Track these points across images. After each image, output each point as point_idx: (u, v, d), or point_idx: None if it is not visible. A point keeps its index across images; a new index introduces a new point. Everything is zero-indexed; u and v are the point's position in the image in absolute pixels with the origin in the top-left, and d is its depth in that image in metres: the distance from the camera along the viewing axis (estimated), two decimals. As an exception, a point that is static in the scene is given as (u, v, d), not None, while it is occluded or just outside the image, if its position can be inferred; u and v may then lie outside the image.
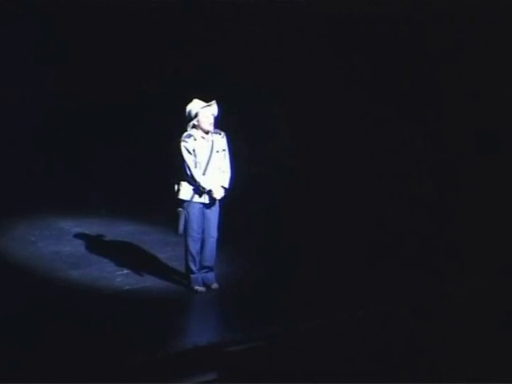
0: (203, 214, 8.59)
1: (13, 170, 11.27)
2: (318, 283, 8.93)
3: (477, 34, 10.28)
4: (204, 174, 8.50)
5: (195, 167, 8.48)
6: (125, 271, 9.07)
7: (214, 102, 8.53)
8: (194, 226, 8.56)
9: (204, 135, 8.55)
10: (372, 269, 9.26)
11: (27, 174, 11.43)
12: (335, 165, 10.93)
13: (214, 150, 8.55)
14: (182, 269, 8.85)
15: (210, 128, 8.54)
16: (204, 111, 8.50)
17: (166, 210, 8.85)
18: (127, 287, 8.71)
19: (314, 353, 7.33)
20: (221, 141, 8.60)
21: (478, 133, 10.24)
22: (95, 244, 9.84)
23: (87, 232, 10.21)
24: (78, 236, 10.09)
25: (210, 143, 8.55)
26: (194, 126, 8.52)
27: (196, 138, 8.51)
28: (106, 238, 10.05)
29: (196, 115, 8.50)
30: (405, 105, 10.69)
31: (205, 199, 8.55)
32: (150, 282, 8.88)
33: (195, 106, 8.54)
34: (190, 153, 8.48)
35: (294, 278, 9.08)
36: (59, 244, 9.85)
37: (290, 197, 10.69)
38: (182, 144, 8.48)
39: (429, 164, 10.64)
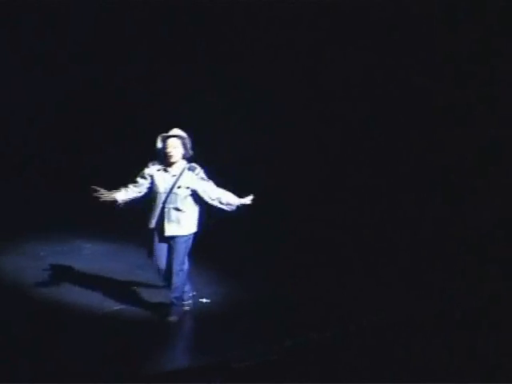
0: (170, 245, 8.27)
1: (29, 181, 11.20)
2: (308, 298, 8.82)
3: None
4: (161, 209, 8.16)
5: (138, 189, 8.19)
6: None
7: (174, 132, 8.19)
8: (156, 255, 8.28)
9: (167, 168, 8.22)
10: (368, 278, 9.22)
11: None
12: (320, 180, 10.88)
13: (176, 186, 8.17)
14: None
15: (171, 160, 8.18)
16: (165, 143, 8.20)
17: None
18: (116, 307, 8.50)
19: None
20: (191, 177, 8.18)
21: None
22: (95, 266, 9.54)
23: (95, 251, 10.00)
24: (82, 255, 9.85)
25: (174, 178, 8.20)
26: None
27: (159, 168, 8.21)
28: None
29: (157, 145, 8.23)
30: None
31: (168, 230, 8.21)
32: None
33: (162, 135, 8.24)
34: (143, 177, 8.20)
35: (288, 293, 8.94)
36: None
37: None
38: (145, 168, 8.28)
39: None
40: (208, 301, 8.69)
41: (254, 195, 8.11)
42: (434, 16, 10.41)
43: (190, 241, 8.29)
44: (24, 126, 11.83)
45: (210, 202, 8.19)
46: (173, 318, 8.34)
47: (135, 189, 8.22)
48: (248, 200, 8.17)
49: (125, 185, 8.20)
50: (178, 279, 8.26)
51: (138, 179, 8.23)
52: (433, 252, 9.68)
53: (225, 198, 8.18)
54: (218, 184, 8.21)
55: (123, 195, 8.17)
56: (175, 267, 8.24)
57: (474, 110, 10.28)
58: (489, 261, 9.39)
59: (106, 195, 8.12)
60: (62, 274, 9.20)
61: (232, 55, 11.53)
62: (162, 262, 8.29)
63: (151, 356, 7.57)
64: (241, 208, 8.15)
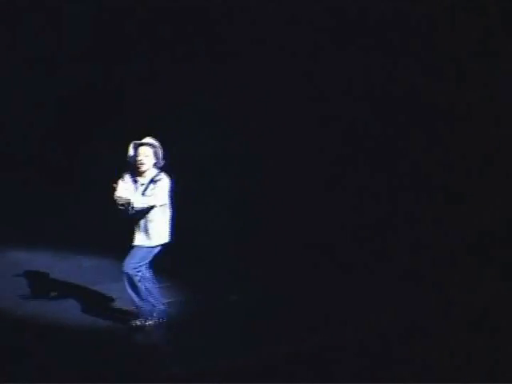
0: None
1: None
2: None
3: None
4: (133, 218, 8.14)
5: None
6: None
7: (146, 141, 8.14)
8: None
9: (138, 177, 8.18)
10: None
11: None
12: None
13: (144, 195, 8.12)
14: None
15: (141, 169, 8.12)
16: (135, 150, 8.17)
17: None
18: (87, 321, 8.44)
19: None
20: (152, 187, 8.13)
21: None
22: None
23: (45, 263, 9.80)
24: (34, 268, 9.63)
25: (143, 187, 8.16)
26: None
27: (131, 176, 8.17)
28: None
29: (129, 152, 8.20)
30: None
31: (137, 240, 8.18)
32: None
33: (134, 143, 8.19)
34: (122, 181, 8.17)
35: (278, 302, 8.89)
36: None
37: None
38: None
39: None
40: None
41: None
42: (434, 16, 10.41)
43: (153, 252, 8.18)
44: (23, 125, 11.81)
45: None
46: (134, 323, 8.25)
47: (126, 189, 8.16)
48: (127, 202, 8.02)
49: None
50: (126, 282, 8.12)
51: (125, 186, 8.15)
52: (433, 252, 9.67)
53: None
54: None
55: (123, 191, 8.13)
56: (124, 268, 8.10)
57: (474, 110, 10.28)
58: (489, 261, 9.38)
59: (122, 199, 8.07)
60: (53, 279, 9.22)
61: (230, 55, 11.53)
62: (128, 268, 8.13)
63: (146, 358, 7.56)
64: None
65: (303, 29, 11.16)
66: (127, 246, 8.23)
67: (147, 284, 8.21)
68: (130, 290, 8.15)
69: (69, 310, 8.63)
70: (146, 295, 8.21)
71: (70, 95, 11.90)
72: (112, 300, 8.89)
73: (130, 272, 8.08)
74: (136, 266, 8.11)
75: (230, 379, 7.01)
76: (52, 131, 11.90)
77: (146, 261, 8.17)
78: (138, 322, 8.26)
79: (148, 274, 8.25)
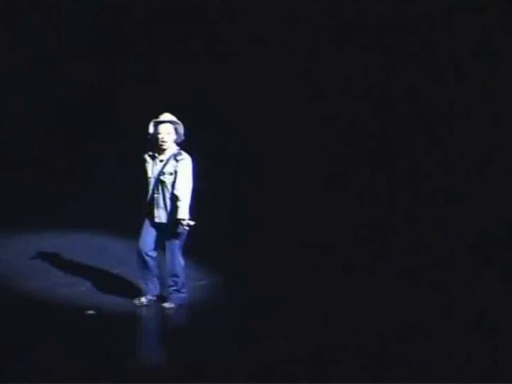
0: (159, 232, 8.21)
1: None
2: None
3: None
4: (151, 195, 8.14)
5: (145, 182, 8.20)
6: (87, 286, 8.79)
7: (166, 117, 8.10)
8: (141, 238, 8.22)
9: (158, 153, 8.14)
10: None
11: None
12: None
13: (162, 172, 8.10)
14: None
15: (163, 146, 8.09)
16: (156, 127, 8.11)
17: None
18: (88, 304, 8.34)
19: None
20: (173, 163, 8.08)
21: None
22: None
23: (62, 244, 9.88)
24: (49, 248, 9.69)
25: (162, 163, 8.13)
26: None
27: (151, 153, 8.16)
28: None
29: (149, 130, 8.15)
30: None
31: (157, 217, 8.17)
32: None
33: (154, 121, 8.14)
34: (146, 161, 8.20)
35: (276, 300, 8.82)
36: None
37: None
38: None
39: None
40: (205, 282, 8.67)
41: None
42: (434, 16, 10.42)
43: (184, 231, 8.15)
44: (23, 125, 11.81)
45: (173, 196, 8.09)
46: (168, 305, 8.25)
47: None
48: (180, 228, 8.06)
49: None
50: (173, 266, 8.16)
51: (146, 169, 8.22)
52: (433, 252, 9.67)
53: (179, 205, 8.04)
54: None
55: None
56: (168, 254, 8.15)
57: (473, 110, 10.28)
58: (488, 261, 9.38)
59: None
60: (55, 269, 9.15)
61: (229, 55, 11.53)
62: (145, 246, 8.17)
63: (139, 355, 7.54)
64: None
65: (303, 28, 11.17)
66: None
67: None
68: (175, 270, 8.18)
69: (81, 293, 8.67)
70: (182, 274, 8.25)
71: (69, 95, 11.90)
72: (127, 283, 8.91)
73: (172, 257, 8.15)
74: (177, 249, 8.18)
75: (228, 379, 7.01)
76: (52, 131, 11.90)
77: (181, 242, 8.20)
78: (169, 305, 8.29)
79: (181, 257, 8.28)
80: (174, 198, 8.10)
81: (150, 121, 8.25)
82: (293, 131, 11.08)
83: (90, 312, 8.06)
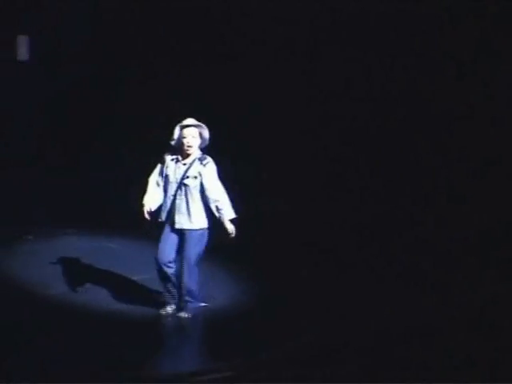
0: (180, 239, 8.06)
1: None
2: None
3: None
4: (172, 200, 8.00)
5: (161, 187, 8.05)
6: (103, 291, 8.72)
7: (192, 122, 7.98)
8: (160, 245, 8.06)
9: (181, 157, 8.02)
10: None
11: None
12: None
13: (186, 176, 7.96)
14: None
15: (189, 151, 7.97)
16: (181, 132, 7.98)
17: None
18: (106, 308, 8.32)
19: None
20: (199, 167, 7.96)
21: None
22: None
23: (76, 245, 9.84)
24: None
25: (185, 167, 7.99)
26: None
27: (173, 158, 8.02)
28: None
29: (174, 135, 8.01)
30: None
31: (178, 223, 8.01)
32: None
33: (180, 125, 8.01)
34: (160, 175, 8.05)
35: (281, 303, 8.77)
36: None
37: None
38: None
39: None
40: (206, 304, 8.46)
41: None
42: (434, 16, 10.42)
43: (205, 238, 8.06)
44: (23, 126, 11.83)
45: (208, 201, 7.99)
46: (184, 314, 8.16)
47: (158, 189, 8.07)
48: (230, 230, 8.00)
49: (146, 191, 8.05)
50: (189, 278, 8.03)
51: (158, 178, 8.09)
52: (433, 252, 9.67)
53: (221, 207, 7.99)
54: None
55: (153, 202, 8.05)
56: (185, 264, 8.02)
57: (474, 110, 10.28)
58: (489, 261, 9.37)
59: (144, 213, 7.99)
60: (63, 271, 9.07)
61: (229, 55, 11.54)
62: (164, 257, 8.04)
63: (149, 359, 7.51)
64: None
65: (303, 29, 11.17)
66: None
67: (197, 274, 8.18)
68: (186, 280, 8.05)
69: (92, 295, 8.64)
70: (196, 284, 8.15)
71: (70, 95, 11.92)
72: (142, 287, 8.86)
73: (188, 265, 8.02)
74: (195, 258, 8.05)
75: (228, 380, 7.01)
76: (52, 131, 11.92)
77: (200, 249, 8.07)
78: (185, 315, 8.19)
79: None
80: (210, 201, 7.98)
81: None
82: (293, 131, 11.09)
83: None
